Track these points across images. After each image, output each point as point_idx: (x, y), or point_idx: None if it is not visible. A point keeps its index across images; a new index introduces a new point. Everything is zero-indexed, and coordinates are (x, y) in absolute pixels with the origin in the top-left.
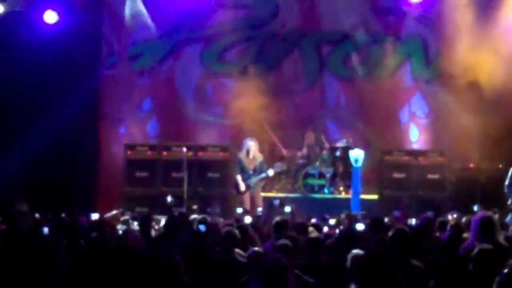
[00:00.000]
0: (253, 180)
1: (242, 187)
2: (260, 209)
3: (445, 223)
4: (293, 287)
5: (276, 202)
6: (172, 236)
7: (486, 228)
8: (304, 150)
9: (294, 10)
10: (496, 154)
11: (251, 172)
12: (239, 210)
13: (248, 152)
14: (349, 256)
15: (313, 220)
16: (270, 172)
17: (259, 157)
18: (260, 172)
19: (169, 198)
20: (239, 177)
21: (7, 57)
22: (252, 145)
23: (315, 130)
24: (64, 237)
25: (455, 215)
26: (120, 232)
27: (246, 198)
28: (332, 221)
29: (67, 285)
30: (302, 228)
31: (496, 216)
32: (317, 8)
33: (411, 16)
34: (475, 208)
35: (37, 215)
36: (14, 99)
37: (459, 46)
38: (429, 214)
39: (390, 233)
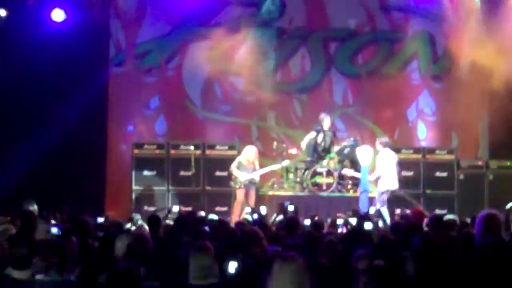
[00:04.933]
0: (251, 175)
1: (241, 177)
2: (264, 207)
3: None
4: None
5: (290, 205)
6: (180, 235)
7: (490, 225)
8: (320, 136)
9: (301, 7)
10: (504, 151)
11: (249, 171)
12: (248, 209)
13: (248, 158)
14: (356, 255)
15: (316, 219)
16: (266, 170)
17: (257, 166)
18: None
19: (175, 208)
20: (236, 170)
21: (15, 56)
22: (254, 152)
23: (329, 113)
24: (73, 236)
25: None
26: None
27: (240, 193)
28: (340, 221)
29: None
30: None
31: (501, 214)
32: (324, 6)
33: (418, 13)
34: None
35: (45, 215)
36: (22, 98)
37: (466, 41)
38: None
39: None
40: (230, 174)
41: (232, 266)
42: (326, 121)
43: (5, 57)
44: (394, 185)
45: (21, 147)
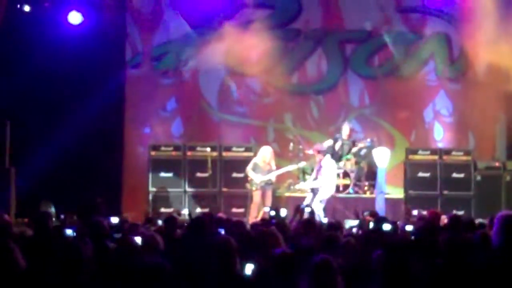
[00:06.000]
0: (267, 176)
1: (256, 179)
2: (284, 209)
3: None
4: None
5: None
6: (195, 237)
7: (508, 226)
8: (338, 144)
9: (317, 9)
10: None
11: (265, 172)
12: (266, 209)
13: (264, 159)
14: (374, 256)
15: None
16: (282, 170)
17: (273, 166)
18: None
19: (186, 211)
20: (252, 172)
21: (32, 59)
22: (269, 152)
23: (348, 121)
24: (89, 238)
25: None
26: None
27: (257, 195)
28: (355, 222)
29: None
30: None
31: None
32: (340, 7)
33: (434, 14)
34: None
35: (62, 216)
36: (39, 100)
37: (483, 43)
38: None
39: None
40: (246, 176)
41: (249, 268)
42: (344, 129)
43: (22, 59)
44: (333, 189)
45: (38, 149)
